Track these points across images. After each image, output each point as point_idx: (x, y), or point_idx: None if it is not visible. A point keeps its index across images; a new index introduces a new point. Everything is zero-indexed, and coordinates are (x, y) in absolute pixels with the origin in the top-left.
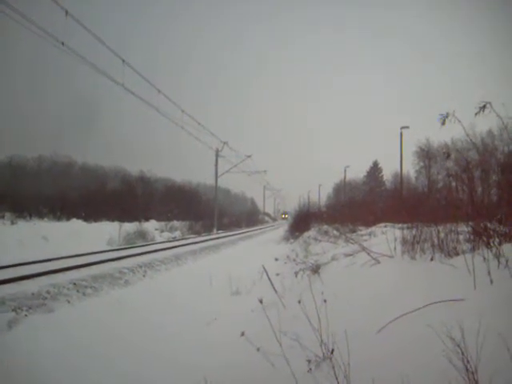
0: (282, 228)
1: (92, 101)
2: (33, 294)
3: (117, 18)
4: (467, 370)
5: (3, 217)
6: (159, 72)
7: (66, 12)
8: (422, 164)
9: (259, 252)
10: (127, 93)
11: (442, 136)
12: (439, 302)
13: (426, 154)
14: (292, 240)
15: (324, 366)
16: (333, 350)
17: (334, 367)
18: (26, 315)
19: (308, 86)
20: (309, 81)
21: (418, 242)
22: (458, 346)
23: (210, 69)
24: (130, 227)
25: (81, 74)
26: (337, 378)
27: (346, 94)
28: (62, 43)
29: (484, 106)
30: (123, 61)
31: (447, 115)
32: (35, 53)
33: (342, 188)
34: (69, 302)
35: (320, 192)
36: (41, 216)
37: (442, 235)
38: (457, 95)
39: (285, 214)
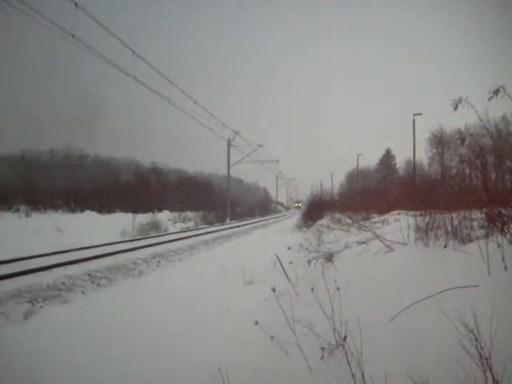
0: (295, 217)
1: (103, 93)
2: (48, 285)
3: (126, 9)
4: (481, 356)
5: (18, 210)
6: (170, 63)
7: (76, 4)
8: (434, 151)
9: (272, 241)
10: (138, 84)
11: (455, 122)
12: (453, 288)
13: (439, 141)
14: (305, 228)
15: (337, 353)
16: (345, 337)
17: (346, 354)
18: (41, 306)
19: (320, 75)
20: (321, 69)
21: (431, 229)
22: (472, 332)
23: (221, 59)
24: (143, 218)
25: (91, 66)
26: (350, 365)
27: (358, 81)
28: (72, 35)
29: (497, 91)
30: (133, 52)
31: (460, 100)
32: (46, 46)
33: (354, 176)
34: (83, 293)
35: (333, 180)
36: (55, 208)
37: (455, 222)
38: (470, 81)
39: (298, 202)
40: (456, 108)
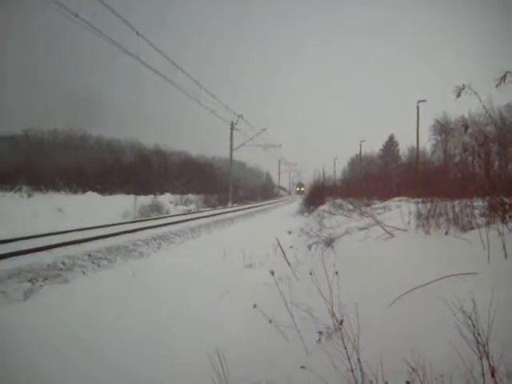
0: (297, 202)
1: (107, 74)
2: (48, 265)
3: None
4: (478, 342)
5: (20, 189)
6: (175, 46)
7: None
8: (438, 138)
9: (274, 225)
10: (143, 66)
11: (459, 110)
12: (452, 275)
13: (442, 128)
14: (307, 213)
15: (334, 337)
16: (342, 321)
17: (343, 338)
18: (41, 286)
19: (324, 60)
20: (325, 54)
21: (432, 216)
22: (469, 318)
23: (227, 44)
24: (145, 200)
25: (96, 47)
26: (346, 349)
27: (363, 67)
28: (76, 15)
29: (504, 76)
30: (137, 33)
31: (463, 87)
32: (50, 26)
33: (357, 162)
34: (84, 273)
35: (335, 166)
36: (57, 189)
37: (457, 209)
38: (477, 68)
39: (301, 186)
40: (459, 95)
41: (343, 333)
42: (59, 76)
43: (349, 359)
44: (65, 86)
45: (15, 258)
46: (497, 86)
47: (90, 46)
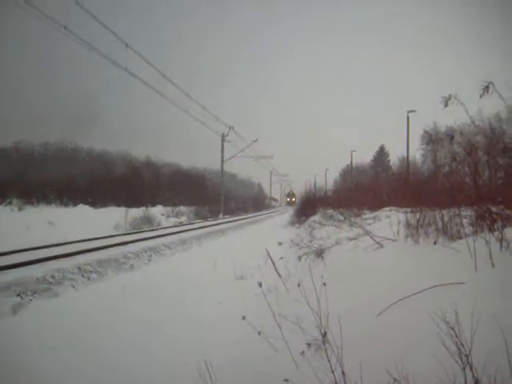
0: (289, 213)
1: (98, 87)
2: (38, 278)
3: (121, 3)
4: (461, 353)
5: (11, 203)
6: (164, 58)
7: None
8: (428, 148)
9: (265, 236)
10: (133, 79)
11: (450, 120)
12: (439, 285)
13: (430, 137)
14: (298, 224)
15: (322, 349)
16: (325, 333)
17: (326, 350)
18: (30, 300)
19: (315, 72)
20: (316, 66)
21: (421, 226)
22: (452, 329)
23: (217, 56)
24: (136, 212)
25: (86, 59)
26: (329, 361)
27: (353, 78)
28: (65, 27)
29: (487, 87)
30: (126, 45)
31: (449, 97)
32: (40, 39)
33: (348, 173)
34: (73, 286)
35: (327, 177)
36: (48, 202)
37: (445, 219)
38: (466, 78)
39: (291, 196)
40: (446, 105)
41: (327, 345)
42: (49, 87)
43: (332, 372)
44: (55, 98)
45: (5, 271)
46: (481, 96)
47: (80, 56)
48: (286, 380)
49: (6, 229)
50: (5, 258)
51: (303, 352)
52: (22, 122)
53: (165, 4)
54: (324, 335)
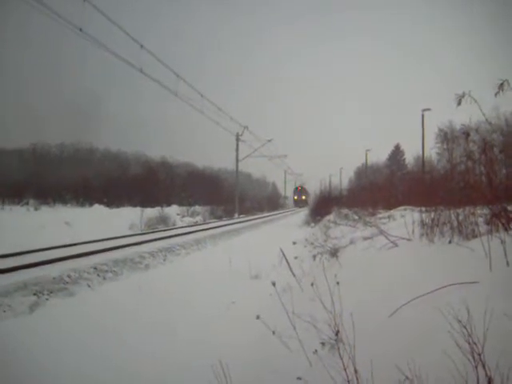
0: (303, 212)
1: (112, 88)
2: (54, 278)
3: (134, 3)
4: (473, 351)
5: (27, 203)
6: (179, 58)
7: None
8: (444, 147)
9: (280, 236)
10: (147, 79)
11: (466, 118)
12: (453, 284)
13: (445, 136)
14: (313, 224)
15: (336, 348)
16: (338, 332)
17: (338, 349)
18: (47, 299)
19: (330, 71)
20: (329, 67)
21: (436, 225)
22: (465, 327)
23: (231, 55)
24: (151, 212)
25: (101, 60)
26: (342, 359)
27: (366, 78)
28: (80, 29)
29: (502, 85)
30: (141, 46)
31: (463, 95)
32: (54, 40)
33: (363, 171)
34: (89, 286)
35: (341, 176)
36: (64, 202)
37: (460, 218)
38: (482, 73)
39: (301, 193)
40: (459, 103)
41: (340, 344)
42: (66, 90)
43: (345, 370)
44: (71, 101)
45: (22, 271)
46: (496, 94)
47: (94, 59)
48: (299, 378)
49: (23, 229)
50: (21, 257)
51: (316, 351)
52: (39, 124)
53: (176, 4)
54: (336, 334)
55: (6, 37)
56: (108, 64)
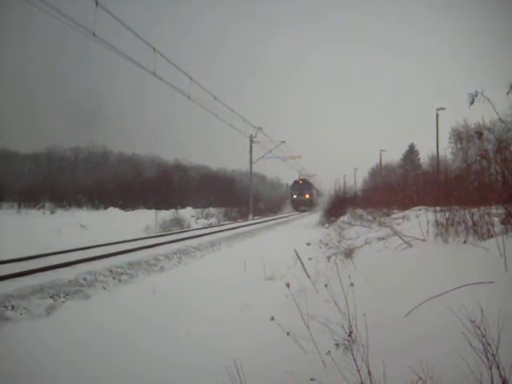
0: (318, 214)
1: (125, 91)
2: (70, 281)
3: (143, 5)
4: (487, 351)
5: (43, 207)
6: (190, 60)
7: (96, 2)
8: (458, 146)
9: (295, 237)
10: (160, 82)
11: (480, 117)
12: (468, 284)
13: (459, 135)
14: (327, 225)
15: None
16: (351, 333)
17: (352, 350)
18: (63, 302)
19: (343, 71)
20: (344, 65)
21: (451, 225)
22: (478, 327)
23: (242, 56)
24: (166, 214)
25: (113, 64)
26: (355, 361)
27: (382, 76)
28: (94, 34)
29: None
30: (154, 49)
31: (476, 94)
32: (68, 44)
33: (377, 172)
34: (105, 288)
35: (356, 176)
36: (79, 205)
37: (475, 217)
38: (497, 72)
39: (302, 190)
40: (472, 102)
41: (353, 345)
42: (78, 93)
43: (358, 371)
44: (85, 105)
45: (38, 274)
46: (507, 93)
47: (107, 63)
48: (313, 379)
49: (39, 232)
50: (38, 260)
51: (329, 352)
52: (53, 128)
53: (184, 5)
54: (349, 335)
55: (23, 43)
56: (121, 68)
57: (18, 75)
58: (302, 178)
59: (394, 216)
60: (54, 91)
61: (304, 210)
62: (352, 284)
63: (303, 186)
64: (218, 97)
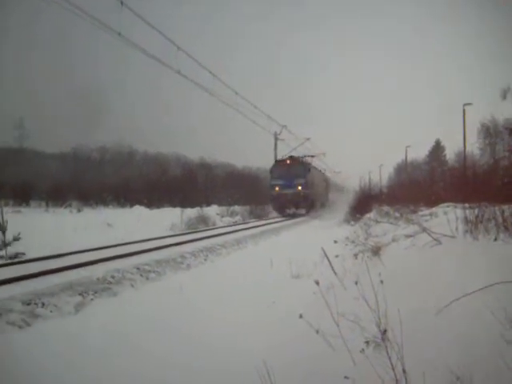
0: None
1: (149, 90)
2: (98, 278)
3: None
4: None
5: (70, 205)
6: (213, 57)
7: (121, 2)
8: (486, 142)
9: (320, 235)
10: (183, 79)
11: (508, 113)
12: (500, 282)
13: (487, 130)
14: (353, 222)
15: (381, 347)
16: (385, 331)
17: (386, 348)
18: (91, 299)
19: (368, 67)
20: (369, 61)
21: (481, 222)
22: None
23: (265, 54)
24: (191, 212)
25: (138, 62)
26: (390, 359)
27: (407, 72)
28: (119, 33)
29: None
30: (178, 48)
31: (508, 89)
32: (94, 44)
33: (403, 168)
34: (132, 286)
35: (381, 173)
36: (105, 203)
37: (506, 214)
38: None
39: (289, 176)
40: (504, 97)
41: (387, 343)
42: (104, 94)
43: (393, 369)
44: (110, 104)
45: (67, 271)
46: None
47: (132, 61)
48: (346, 377)
49: (67, 230)
50: (66, 258)
51: (363, 350)
52: (79, 128)
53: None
54: (384, 332)
55: (49, 44)
56: (145, 67)
57: (46, 75)
58: (289, 156)
59: (421, 213)
60: (78, 91)
61: (294, 215)
62: (382, 281)
63: (292, 169)
64: (243, 95)
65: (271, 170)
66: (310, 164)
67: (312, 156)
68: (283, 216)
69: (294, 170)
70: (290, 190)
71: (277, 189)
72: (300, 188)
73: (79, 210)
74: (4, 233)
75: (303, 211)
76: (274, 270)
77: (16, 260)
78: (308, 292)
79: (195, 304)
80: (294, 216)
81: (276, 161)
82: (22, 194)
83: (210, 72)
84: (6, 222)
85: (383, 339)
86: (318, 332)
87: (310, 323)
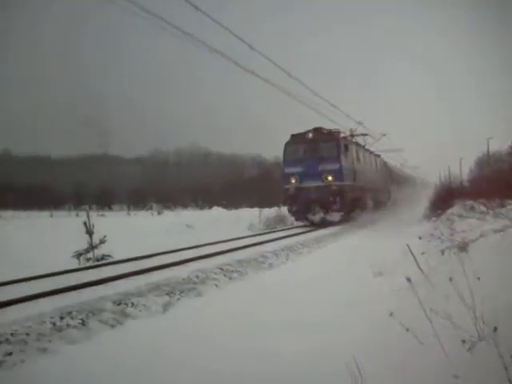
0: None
1: (221, 91)
2: (183, 279)
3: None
4: None
5: (151, 208)
6: (289, 57)
7: (196, 8)
8: None
9: (399, 231)
10: (258, 79)
11: None
12: None
13: None
14: (434, 218)
15: (481, 346)
16: (496, 328)
17: (497, 346)
18: (178, 299)
19: (444, 58)
20: (445, 52)
21: None
22: None
23: (337, 50)
24: (269, 212)
25: (213, 66)
26: (502, 357)
27: (485, 62)
28: (192, 35)
29: None
30: (250, 47)
31: None
32: (159, 47)
33: (484, 161)
34: (216, 286)
35: (461, 166)
36: (184, 205)
37: None
38: None
39: (306, 161)
40: None
41: (497, 341)
42: (176, 96)
43: (506, 368)
44: (184, 106)
45: (153, 272)
46: None
47: (208, 66)
48: (456, 376)
49: (150, 232)
50: (152, 259)
51: (469, 349)
52: (155, 132)
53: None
54: (495, 330)
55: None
56: (220, 68)
57: (122, 81)
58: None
59: (509, 207)
60: (154, 102)
61: (322, 224)
62: (479, 278)
63: (317, 147)
64: (319, 92)
65: (284, 151)
66: (349, 139)
67: (364, 135)
68: (306, 225)
69: (321, 148)
70: (315, 182)
71: (293, 181)
72: (331, 179)
73: (159, 213)
74: (91, 236)
75: (336, 217)
76: (355, 267)
77: (103, 262)
78: (390, 290)
79: (279, 304)
80: (323, 224)
81: (292, 136)
82: (105, 198)
83: (285, 71)
84: (93, 225)
85: (492, 337)
86: (408, 330)
87: (400, 321)
